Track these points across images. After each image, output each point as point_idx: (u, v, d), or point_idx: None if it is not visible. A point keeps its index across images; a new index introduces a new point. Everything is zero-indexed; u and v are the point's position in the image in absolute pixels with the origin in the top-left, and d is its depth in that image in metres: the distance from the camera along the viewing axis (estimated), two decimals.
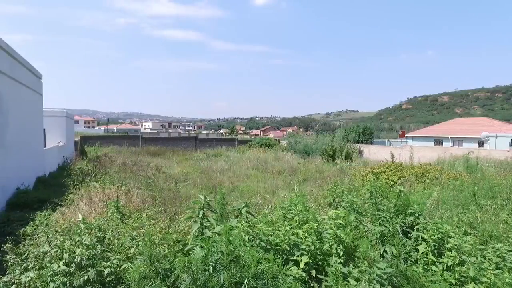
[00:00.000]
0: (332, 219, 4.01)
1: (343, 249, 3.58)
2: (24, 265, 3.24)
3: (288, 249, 3.52)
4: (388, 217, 4.70)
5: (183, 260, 2.49)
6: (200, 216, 3.52)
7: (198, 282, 2.74)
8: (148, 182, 11.10)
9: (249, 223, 3.73)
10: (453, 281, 3.71)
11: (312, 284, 3.46)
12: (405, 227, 4.71)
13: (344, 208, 4.85)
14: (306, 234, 3.70)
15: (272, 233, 3.67)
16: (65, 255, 3.10)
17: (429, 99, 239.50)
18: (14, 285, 3.03)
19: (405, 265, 3.93)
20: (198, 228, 3.44)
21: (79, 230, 3.44)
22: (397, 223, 4.60)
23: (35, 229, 5.45)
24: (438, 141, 41.34)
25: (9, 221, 8.15)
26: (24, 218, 8.22)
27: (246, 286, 2.43)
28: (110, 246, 3.55)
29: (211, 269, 2.63)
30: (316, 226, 3.82)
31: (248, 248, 2.78)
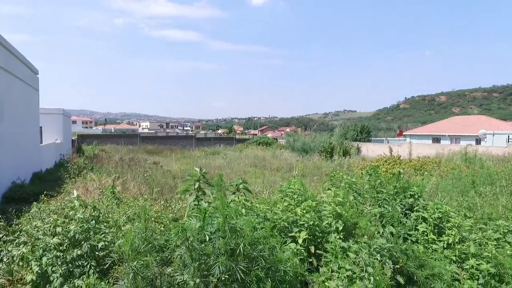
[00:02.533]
0: (331, 197, 3.95)
1: (342, 224, 3.52)
2: (17, 241, 3.16)
3: (287, 225, 3.46)
4: (387, 198, 4.64)
5: (177, 225, 2.42)
6: (196, 187, 3.45)
7: (193, 253, 2.67)
8: (145, 175, 11.01)
9: (246, 199, 3.67)
10: (454, 258, 3.66)
11: (311, 260, 3.40)
12: (404, 209, 4.65)
13: (344, 189, 4.79)
14: (304, 212, 3.64)
15: (270, 211, 3.61)
16: (58, 229, 3.02)
17: (426, 98, 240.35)
18: (6, 258, 2.95)
19: (405, 245, 3.88)
20: (194, 200, 3.37)
21: (73, 205, 3.37)
22: (396, 204, 4.55)
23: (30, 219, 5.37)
24: (436, 139, 41.43)
25: (4, 214, 8.05)
26: (20, 210, 8.12)
27: (241, 251, 2.36)
28: (105, 224, 3.48)
29: (207, 238, 2.56)
30: (315, 204, 3.76)
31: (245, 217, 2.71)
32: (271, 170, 20.55)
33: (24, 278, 3.16)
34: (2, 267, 3.10)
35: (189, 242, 2.65)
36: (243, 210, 3.14)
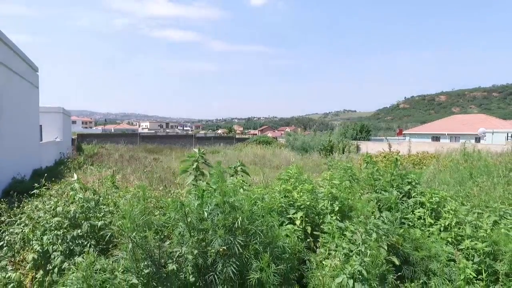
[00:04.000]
0: (327, 180, 3.99)
1: (339, 205, 3.56)
2: (18, 222, 3.21)
3: (284, 207, 3.50)
4: (384, 184, 4.68)
5: (176, 201, 2.46)
6: (194, 167, 3.49)
7: (192, 230, 2.71)
8: (145, 170, 11.05)
9: (244, 181, 3.71)
10: (450, 240, 3.70)
11: (308, 241, 3.44)
12: (401, 196, 4.69)
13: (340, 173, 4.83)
14: (301, 194, 3.68)
15: (267, 194, 3.65)
16: (59, 209, 3.06)
17: (426, 98, 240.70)
18: (8, 238, 2.99)
19: (402, 228, 3.91)
20: (192, 180, 3.42)
21: (73, 185, 3.41)
22: (393, 189, 4.58)
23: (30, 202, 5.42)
24: (436, 138, 41.52)
25: (6, 198, 8.10)
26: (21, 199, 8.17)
27: (240, 225, 2.40)
28: (104, 206, 3.52)
29: (205, 215, 2.60)
30: (311, 187, 3.80)
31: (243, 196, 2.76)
32: (270, 168, 20.58)
33: (25, 259, 3.21)
34: (5, 248, 3.14)
35: (188, 219, 2.69)
36: (241, 190, 3.19)
